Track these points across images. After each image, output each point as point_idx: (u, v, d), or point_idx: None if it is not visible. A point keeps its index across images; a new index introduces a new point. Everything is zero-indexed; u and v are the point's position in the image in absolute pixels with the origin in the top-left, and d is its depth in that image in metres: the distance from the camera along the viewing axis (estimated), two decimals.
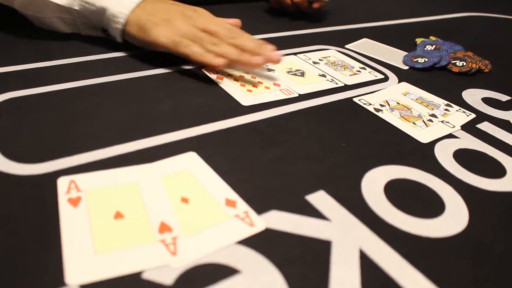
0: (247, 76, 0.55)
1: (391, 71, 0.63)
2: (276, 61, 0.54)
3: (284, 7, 0.81)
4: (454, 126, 0.50)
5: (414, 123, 0.50)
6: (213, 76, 0.54)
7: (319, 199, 0.36)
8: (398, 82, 0.60)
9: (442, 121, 0.51)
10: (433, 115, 0.52)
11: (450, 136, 0.48)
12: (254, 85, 0.53)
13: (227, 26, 0.55)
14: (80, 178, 0.36)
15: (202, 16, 0.56)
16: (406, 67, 0.65)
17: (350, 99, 0.53)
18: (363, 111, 0.51)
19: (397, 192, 0.38)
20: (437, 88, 0.59)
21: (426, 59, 0.65)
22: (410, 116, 0.51)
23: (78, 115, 0.44)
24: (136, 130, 0.42)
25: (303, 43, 0.69)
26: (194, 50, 0.52)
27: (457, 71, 0.65)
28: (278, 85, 0.54)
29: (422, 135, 0.48)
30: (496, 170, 0.44)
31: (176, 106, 0.47)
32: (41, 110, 0.44)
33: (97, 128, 0.42)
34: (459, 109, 0.55)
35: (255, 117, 0.47)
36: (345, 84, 0.57)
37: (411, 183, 0.40)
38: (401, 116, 0.51)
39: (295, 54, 0.64)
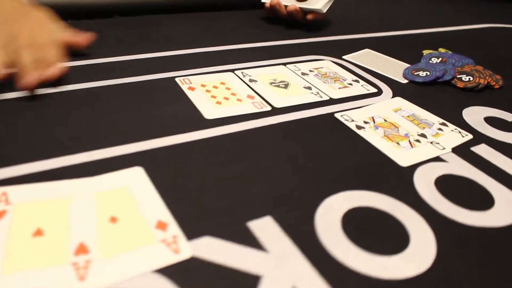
0: (222, 87, 0.52)
1: (388, 85, 0.58)
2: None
3: (279, 16, 0.77)
4: (444, 148, 0.45)
5: (398, 143, 0.45)
6: (184, 86, 0.51)
7: (262, 226, 0.33)
8: (393, 97, 0.55)
9: (431, 142, 0.46)
10: (423, 135, 0.47)
11: (437, 159, 0.43)
12: (226, 97, 0.50)
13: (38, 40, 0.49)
14: (13, 191, 0.34)
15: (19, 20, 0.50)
16: (406, 81, 0.60)
17: (331, 115, 0.49)
18: (342, 128, 0.47)
19: (357, 223, 0.34)
20: (436, 104, 0.54)
21: (428, 73, 0.60)
22: (395, 135, 0.46)
23: (26, 123, 0.42)
24: (87, 141, 0.40)
25: (297, 53, 0.65)
26: None
27: (462, 86, 0.59)
28: (252, 97, 0.51)
29: (404, 157, 0.43)
30: (482, 201, 0.38)
31: (138, 117, 0.45)
32: None
33: (46, 137, 0.40)
34: (455, 129, 0.49)
35: (219, 131, 0.44)
36: (330, 98, 0.53)
37: (376, 213, 0.35)
38: (385, 134, 0.46)
39: (284, 64, 0.61)
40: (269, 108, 0.49)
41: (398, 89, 0.57)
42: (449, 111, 0.53)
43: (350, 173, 0.40)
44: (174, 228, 0.32)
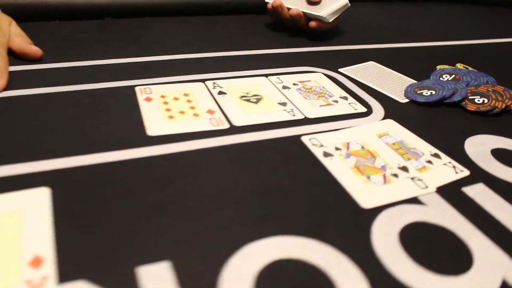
0: (183, 99, 0.46)
1: (382, 104, 0.50)
2: None
3: (281, 20, 0.70)
4: (427, 187, 0.37)
5: (369, 177, 0.37)
6: (141, 97, 0.46)
7: (154, 274, 0.26)
8: (383, 119, 0.47)
9: (412, 178, 0.38)
10: (404, 168, 0.39)
11: (414, 201, 0.35)
12: (182, 110, 0.44)
13: None
14: None
15: None
16: (406, 100, 0.51)
17: (298, 137, 0.42)
18: (306, 154, 0.40)
19: (276, 280, 0.27)
20: (435, 130, 0.45)
21: (434, 92, 0.51)
22: (368, 166, 0.39)
23: None
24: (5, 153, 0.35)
25: (289, 63, 0.58)
26: None
27: (473, 109, 0.50)
28: (212, 112, 0.44)
29: (369, 195, 0.35)
30: (457, 261, 0.30)
31: (70, 129, 0.40)
32: None
33: None
34: (449, 162, 0.40)
35: (158, 150, 0.38)
36: (305, 117, 0.46)
37: (306, 270, 0.28)
38: (355, 165, 0.38)
39: (267, 75, 0.54)
40: (226, 126, 0.43)
41: (393, 110, 0.49)
42: (449, 139, 0.44)
43: (295, 212, 0.33)
44: (49, 267, 0.26)
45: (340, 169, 0.38)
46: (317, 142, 0.42)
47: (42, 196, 0.32)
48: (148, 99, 0.46)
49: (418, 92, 0.52)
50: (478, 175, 0.39)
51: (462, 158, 0.42)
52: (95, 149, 0.37)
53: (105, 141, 0.38)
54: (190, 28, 0.70)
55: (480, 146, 0.44)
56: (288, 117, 0.45)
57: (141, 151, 0.38)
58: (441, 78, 0.55)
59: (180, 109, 0.45)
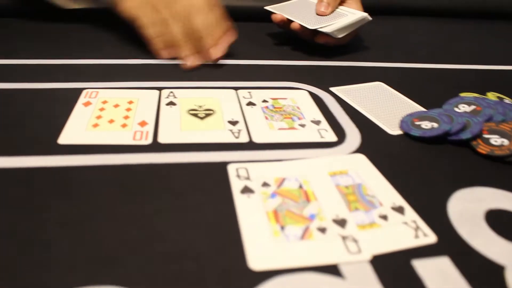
0: (123, 107, 0.41)
1: (364, 134, 0.40)
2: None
3: (286, 29, 0.61)
4: (359, 252, 0.27)
5: (282, 228, 0.28)
6: (81, 100, 0.42)
7: None
8: (354, 152, 0.37)
9: (344, 237, 0.28)
10: (340, 222, 0.29)
11: (331, 269, 0.26)
12: (112, 119, 0.39)
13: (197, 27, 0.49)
14: None
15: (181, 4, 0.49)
16: (398, 132, 0.41)
17: (224, 165, 0.34)
18: (221, 187, 0.32)
19: None
20: (421, 175, 0.35)
21: (436, 125, 0.40)
22: (292, 213, 0.29)
23: None
24: None
25: (275, 77, 0.50)
26: (148, 33, 0.50)
27: (484, 152, 0.38)
28: (144, 124, 0.38)
29: (264, 253, 0.26)
30: None
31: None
32: None
33: None
34: (413, 221, 0.30)
35: (63, 161, 0.33)
36: (250, 141, 0.37)
37: None
38: (274, 210, 0.30)
39: (237, 88, 0.47)
40: (148, 142, 0.36)
41: (374, 143, 0.39)
42: (434, 190, 0.33)
43: (172, 271, 0.25)
44: None
45: (251, 212, 0.29)
46: (245, 173, 0.33)
47: None
48: (87, 104, 0.41)
49: (416, 123, 0.41)
50: (448, 244, 0.28)
51: (437, 217, 0.31)
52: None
53: (9, 146, 0.34)
54: None
55: (472, 203, 0.32)
56: (230, 139, 0.37)
57: (46, 160, 0.33)
58: (455, 108, 0.43)
59: (111, 117, 0.39)
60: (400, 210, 0.31)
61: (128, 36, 0.57)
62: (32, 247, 0.25)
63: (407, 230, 0.29)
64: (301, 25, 0.56)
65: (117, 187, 0.31)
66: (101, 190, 0.30)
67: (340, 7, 0.58)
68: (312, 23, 0.55)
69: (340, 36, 0.55)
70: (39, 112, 0.39)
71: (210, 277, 0.24)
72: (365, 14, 0.56)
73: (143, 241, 0.26)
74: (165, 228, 0.27)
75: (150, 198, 0.30)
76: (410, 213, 0.30)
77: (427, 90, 0.50)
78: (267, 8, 0.61)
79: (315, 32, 0.56)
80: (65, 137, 0.36)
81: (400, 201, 0.32)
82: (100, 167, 0.32)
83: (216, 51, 0.51)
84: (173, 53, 0.51)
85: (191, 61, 0.50)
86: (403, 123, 0.41)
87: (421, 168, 0.36)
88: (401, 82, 0.52)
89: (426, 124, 0.40)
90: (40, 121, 0.38)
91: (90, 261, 0.25)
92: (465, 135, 0.39)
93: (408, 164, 0.36)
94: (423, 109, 0.45)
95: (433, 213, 0.31)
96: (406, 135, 0.40)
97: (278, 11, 0.60)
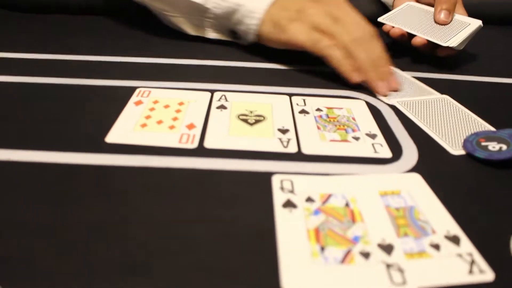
0: (173, 108, 0.41)
1: (421, 151, 0.37)
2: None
3: (402, 42, 0.58)
4: (405, 283, 0.25)
5: (322, 249, 0.26)
6: (133, 99, 0.42)
7: None
8: (410, 171, 0.35)
9: (389, 265, 0.26)
10: (387, 248, 0.27)
11: None
12: (161, 120, 0.39)
13: (359, 26, 0.48)
14: None
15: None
16: (462, 152, 0.38)
17: (269, 176, 0.33)
18: (264, 199, 0.31)
19: None
20: (483, 203, 0.32)
21: (505, 147, 0.36)
22: (335, 233, 0.28)
23: None
24: None
25: (333, 85, 0.48)
26: (335, 55, 0.47)
27: None
28: (192, 127, 0.38)
29: (299, 276, 0.25)
30: None
31: (23, 123, 0.38)
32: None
33: None
34: (468, 253, 0.27)
35: (107, 160, 0.33)
36: (299, 151, 0.36)
37: None
38: (316, 228, 0.28)
39: (289, 94, 0.45)
40: (194, 146, 0.36)
41: (433, 162, 0.36)
42: (497, 222, 0.30)
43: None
44: None
45: (291, 228, 0.28)
46: (289, 185, 0.32)
47: None
48: (138, 103, 0.42)
49: (482, 144, 0.37)
50: (507, 284, 0.25)
51: (498, 252, 0.27)
52: (42, 146, 0.34)
53: (57, 141, 0.35)
54: None
55: None
56: (278, 148, 0.36)
57: (87, 157, 0.33)
58: None
59: (160, 118, 0.39)
60: (455, 240, 0.28)
61: (184, 36, 0.58)
62: (65, 246, 0.25)
63: (460, 264, 0.26)
64: (424, 42, 0.53)
65: (157, 190, 0.30)
66: (140, 192, 0.30)
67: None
68: (440, 38, 0.52)
69: (462, 47, 0.53)
70: (91, 109, 0.40)
71: None
72: (480, 22, 0.53)
73: (176, 250, 0.26)
74: (200, 238, 0.27)
75: (189, 205, 0.29)
76: (466, 245, 0.28)
77: (499, 108, 0.46)
78: (381, 20, 0.58)
79: (436, 45, 0.53)
80: (113, 136, 0.36)
81: (456, 229, 0.29)
82: (143, 169, 0.32)
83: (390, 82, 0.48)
84: (363, 77, 0.47)
85: (384, 88, 0.46)
86: (467, 142, 0.38)
87: (484, 195, 0.33)
88: (470, 96, 0.48)
89: (493, 146, 0.37)
90: (91, 118, 0.39)
91: (120, 265, 0.24)
92: None
93: (470, 188, 0.33)
94: (492, 129, 0.41)
95: (494, 246, 0.28)
96: (469, 156, 0.37)
97: (393, 23, 0.56)
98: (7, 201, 0.28)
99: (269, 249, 0.26)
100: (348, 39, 0.46)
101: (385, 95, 0.46)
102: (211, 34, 0.58)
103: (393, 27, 0.56)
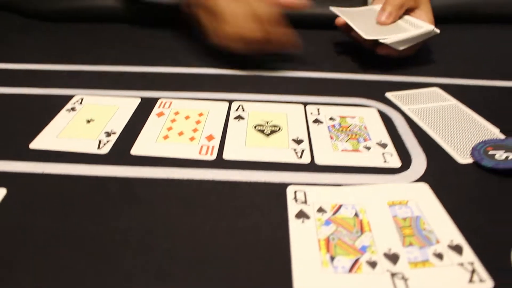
0: (193, 119, 0.44)
1: (430, 160, 0.39)
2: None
3: (348, 36, 0.60)
4: None
5: (332, 259, 0.29)
6: (156, 110, 0.45)
7: None
8: (418, 180, 0.36)
9: (394, 274, 0.28)
10: (392, 257, 0.29)
11: None
12: (182, 132, 0.41)
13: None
14: None
15: None
16: (469, 160, 0.39)
17: (284, 186, 0.35)
18: (277, 210, 0.33)
19: None
20: (489, 212, 0.33)
21: (511, 156, 0.37)
22: (344, 243, 0.30)
23: None
24: None
25: (347, 92, 0.50)
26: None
27: None
28: (211, 138, 0.40)
29: (310, 284, 0.27)
30: None
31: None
32: None
33: None
34: (470, 263, 0.29)
35: (132, 172, 0.36)
36: (312, 161, 0.38)
37: None
38: (327, 238, 0.30)
39: (304, 103, 0.47)
40: (213, 157, 0.38)
41: (441, 171, 0.37)
42: (500, 231, 0.32)
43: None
44: None
45: (303, 238, 0.30)
46: (302, 196, 0.34)
47: None
48: (160, 114, 0.44)
49: (490, 152, 0.39)
50: None
51: (500, 262, 0.29)
52: (63, 159, 0.37)
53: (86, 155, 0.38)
54: None
55: None
56: (292, 159, 0.38)
57: (113, 170, 0.36)
58: None
59: (181, 129, 0.42)
60: (458, 249, 0.30)
61: (201, 45, 0.60)
62: (95, 253, 0.28)
63: (462, 273, 0.28)
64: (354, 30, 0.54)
65: (179, 201, 0.33)
66: (164, 203, 0.33)
67: (407, 17, 0.56)
68: (369, 33, 0.53)
69: (401, 48, 0.53)
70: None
71: None
72: (431, 28, 0.53)
73: (197, 258, 0.28)
74: (220, 248, 0.29)
75: (209, 215, 0.32)
76: (469, 254, 0.29)
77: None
78: (333, 9, 0.60)
79: (377, 42, 0.54)
80: (137, 148, 0.39)
81: (459, 239, 0.31)
82: (166, 181, 0.35)
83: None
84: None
85: None
86: (475, 151, 0.39)
87: (490, 204, 0.34)
88: (482, 102, 0.49)
89: (500, 154, 0.38)
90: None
91: (146, 272, 0.27)
92: None
93: (476, 198, 0.35)
94: (502, 136, 0.42)
95: (496, 256, 0.29)
96: (477, 165, 0.38)
97: (342, 15, 0.58)
98: (46, 213, 0.31)
99: (283, 257, 0.29)
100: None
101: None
102: None
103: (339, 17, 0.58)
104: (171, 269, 0.27)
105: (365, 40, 0.54)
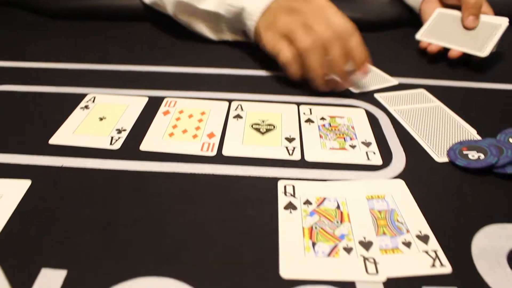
0: (196, 117, 0.48)
1: (409, 159, 0.43)
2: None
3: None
4: (376, 274, 0.31)
5: (314, 245, 0.33)
6: (162, 109, 0.49)
7: None
8: (396, 177, 0.41)
9: (366, 258, 0.32)
10: (366, 244, 0.33)
11: (348, 285, 0.30)
12: (186, 129, 0.46)
13: (338, 28, 0.49)
14: None
15: (311, 9, 0.51)
16: (445, 159, 0.43)
17: (276, 181, 0.39)
18: (267, 202, 0.37)
19: None
20: (457, 206, 0.38)
21: (482, 156, 0.42)
22: (324, 232, 0.34)
23: None
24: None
25: (339, 93, 0.54)
26: (284, 56, 0.51)
27: None
28: (212, 136, 0.45)
29: (294, 265, 0.31)
30: None
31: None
32: None
33: None
34: (434, 250, 0.33)
35: (140, 166, 0.41)
36: (302, 158, 0.42)
37: None
38: (310, 226, 0.35)
39: (298, 104, 0.51)
40: (213, 153, 0.43)
41: (419, 169, 0.42)
42: (465, 222, 0.36)
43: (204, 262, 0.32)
44: None
45: (290, 227, 0.35)
46: (291, 190, 0.38)
47: (19, 188, 0.37)
48: (166, 113, 0.49)
49: (464, 152, 0.43)
50: (462, 277, 0.31)
51: (460, 249, 0.34)
52: (79, 154, 0.42)
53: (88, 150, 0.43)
54: None
55: (500, 240, 0.34)
56: (284, 156, 0.43)
57: (125, 164, 0.41)
58: (510, 140, 0.44)
59: (185, 127, 0.46)
60: (424, 239, 0.34)
61: (202, 45, 0.64)
62: (112, 237, 0.33)
63: (425, 259, 0.32)
64: (459, 54, 0.59)
65: (183, 193, 0.37)
66: (170, 194, 0.37)
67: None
68: (475, 48, 0.57)
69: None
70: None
71: (247, 280, 0.30)
72: (506, 20, 0.57)
73: (198, 244, 0.33)
74: (217, 234, 0.34)
75: (210, 206, 0.36)
76: (433, 243, 0.34)
77: (492, 115, 0.51)
78: (418, 37, 0.64)
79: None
80: (146, 145, 0.43)
81: (427, 230, 0.35)
82: (171, 174, 0.39)
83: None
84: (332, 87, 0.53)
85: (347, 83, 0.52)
86: (451, 151, 0.43)
87: (458, 199, 0.38)
88: (464, 104, 0.53)
89: (473, 155, 0.42)
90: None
91: (155, 254, 0.32)
92: (510, 170, 0.40)
93: (446, 194, 0.39)
94: (478, 137, 0.46)
95: (457, 245, 0.34)
96: (452, 163, 0.42)
97: (430, 39, 0.62)
98: (67, 202, 0.36)
99: (272, 243, 0.33)
100: (306, 45, 0.49)
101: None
102: (229, 36, 0.65)
103: (430, 44, 0.62)
104: (176, 252, 0.32)
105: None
